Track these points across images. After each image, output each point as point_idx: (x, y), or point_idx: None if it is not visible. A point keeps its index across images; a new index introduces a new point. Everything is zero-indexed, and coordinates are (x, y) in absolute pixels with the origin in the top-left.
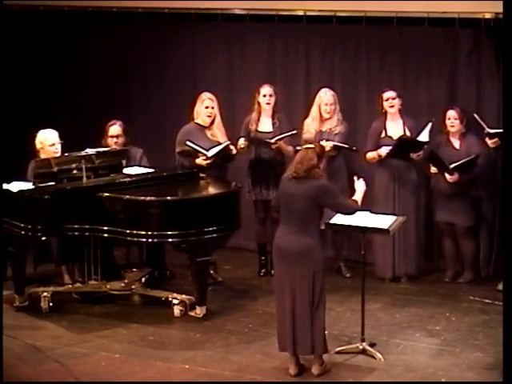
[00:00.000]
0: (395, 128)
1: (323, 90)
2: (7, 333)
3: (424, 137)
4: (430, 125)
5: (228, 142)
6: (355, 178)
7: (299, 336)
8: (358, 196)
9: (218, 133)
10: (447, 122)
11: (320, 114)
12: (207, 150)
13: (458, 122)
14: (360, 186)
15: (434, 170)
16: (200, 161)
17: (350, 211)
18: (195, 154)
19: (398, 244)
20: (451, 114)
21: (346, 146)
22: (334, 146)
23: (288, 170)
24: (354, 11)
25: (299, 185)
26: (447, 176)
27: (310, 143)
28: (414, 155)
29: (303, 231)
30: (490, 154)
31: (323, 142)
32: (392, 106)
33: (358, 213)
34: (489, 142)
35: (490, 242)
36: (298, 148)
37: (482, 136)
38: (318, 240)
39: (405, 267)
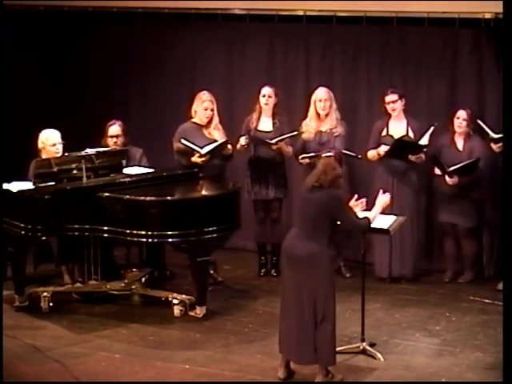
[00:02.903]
0: (398, 127)
1: (318, 87)
2: (7, 333)
3: (424, 140)
4: (431, 129)
5: (223, 140)
6: (380, 191)
7: (298, 344)
8: (375, 212)
9: (216, 133)
10: (455, 120)
11: (317, 112)
12: (202, 148)
13: (465, 123)
14: (382, 201)
15: (437, 171)
16: (195, 158)
17: (358, 229)
18: (191, 152)
19: (396, 244)
20: (461, 114)
21: (352, 154)
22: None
23: (310, 177)
24: (354, 11)
25: (317, 192)
26: (447, 179)
27: (309, 152)
28: (412, 157)
29: (310, 237)
30: (493, 156)
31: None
32: (394, 110)
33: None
34: (494, 146)
35: (492, 242)
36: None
37: (486, 139)
38: (325, 248)
39: (402, 268)
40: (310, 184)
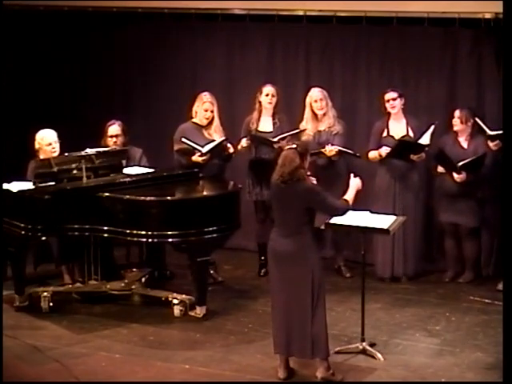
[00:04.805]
0: (398, 127)
1: (311, 89)
2: (7, 333)
3: (425, 139)
4: (432, 127)
5: (223, 138)
6: (351, 175)
7: (297, 339)
8: (350, 194)
9: (216, 135)
10: (453, 120)
11: (313, 113)
12: (202, 147)
13: (459, 121)
14: (354, 183)
15: (440, 169)
16: (196, 157)
17: (339, 212)
18: (192, 151)
19: (398, 244)
20: (456, 113)
21: (351, 152)
22: (339, 150)
23: (274, 173)
24: (354, 11)
25: (287, 188)
26: (455, 175)
27: (303, 144)
28: (414, 157)
29: (296, 233)
30: (496, 155)
31: (328, 147)
32: (393, 107)
33: (357, 213)
34: (491, 144)
35: (492, 242)
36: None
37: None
38: (311, 241)
39: (404, 267)
40: (275, 180)
